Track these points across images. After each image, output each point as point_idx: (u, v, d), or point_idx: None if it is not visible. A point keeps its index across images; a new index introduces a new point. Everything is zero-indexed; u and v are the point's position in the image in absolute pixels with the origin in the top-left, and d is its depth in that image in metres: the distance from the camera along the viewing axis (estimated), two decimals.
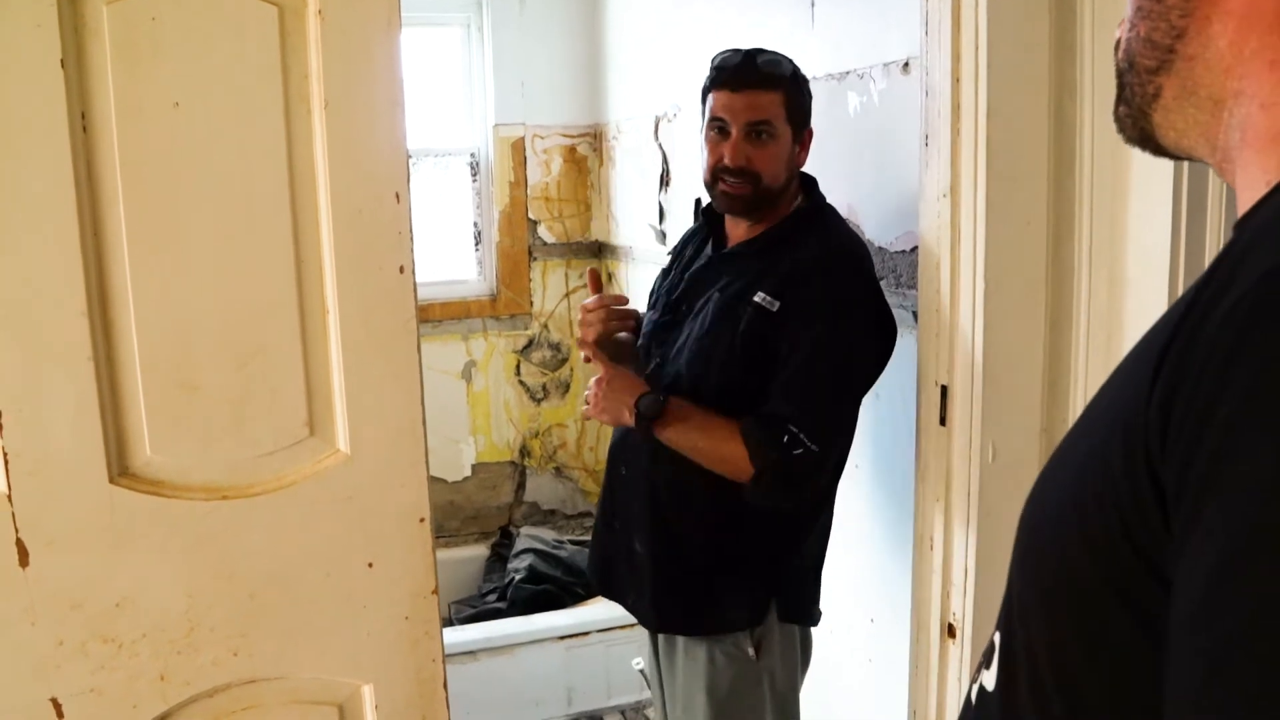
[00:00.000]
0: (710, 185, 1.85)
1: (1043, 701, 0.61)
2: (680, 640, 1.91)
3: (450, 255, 3.58)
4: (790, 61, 1.85)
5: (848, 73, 2.23)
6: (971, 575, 1.83)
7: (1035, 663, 0.62)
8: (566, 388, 3.65)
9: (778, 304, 1.75)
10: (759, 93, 1.78)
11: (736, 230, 1.91)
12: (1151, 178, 1.56)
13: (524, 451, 3.64)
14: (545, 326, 3.58)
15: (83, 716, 1.38)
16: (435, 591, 1.51)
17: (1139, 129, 0.67)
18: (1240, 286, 0.50)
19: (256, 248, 1.38)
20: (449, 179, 3.53)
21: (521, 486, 3.65)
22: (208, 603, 1.41)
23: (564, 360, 3.61)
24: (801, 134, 1.86)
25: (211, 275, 1.37)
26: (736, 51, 1.82)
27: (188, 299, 1.36)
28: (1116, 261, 1.71)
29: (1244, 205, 0.59)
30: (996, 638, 0.69)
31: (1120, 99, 0.68)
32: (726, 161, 1.79)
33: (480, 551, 3.57)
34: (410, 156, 3.68)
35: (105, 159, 1.30)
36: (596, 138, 3.59)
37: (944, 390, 1.84)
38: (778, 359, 1.75)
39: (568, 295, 3.58)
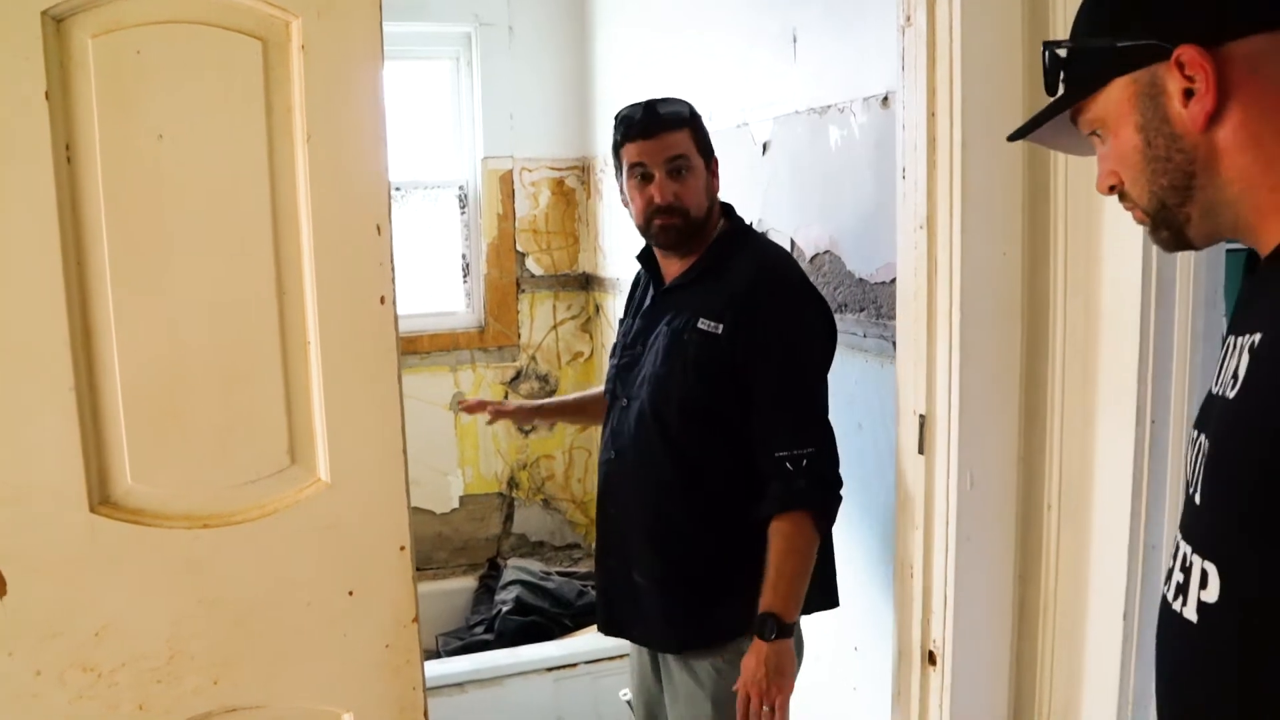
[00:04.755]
0: (645, 229, 1.96)
1: None
2: (683, 659, 1.95)
3: (439, 287, 3.61)
4: (686, 102, 1.96)
5: (829, 107, 2.26)
6: (951, 602, 1.83)
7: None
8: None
9: (721, 326, 1.85)
10: (669, 134, 1.90)
11: (671, 267, 2.00)
12: (1123, 210, 1.59)
13: (512, 483, 3.64)
14: (533, 358, 3.59)
15: None
16: (415, 620, 1.52)
17: (1179, 245, 0.93)
18: None
19: (239, 278, 1.39)
20: (438, 211, 3.56)
21: (510, 518, 3.65)
22: (189, 631, 1.42)
23: (552, 392, 3.63)
24: (710, 164, 1.97)
25: (194, 306, 1.38)
26: (637, 105, 1.94)
27: (171, 329, 1.38)
28: (1092, 292, 1.73)
29: (1266, 249, 0.85)
30: (1206, 565, 0.83)
31: (1159, 228, 0.92)
32: (657, 201, 1.90)
33: (468, 583, 3.56)
34: (398, 189, 3.67)
35: (89, 190, 1.32)
36: (584, 171, 3.62)
37: (922, 419, 1.85)
38: (734, 377, 1.85)
39: (555, 327, 3.61)
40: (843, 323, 2.12)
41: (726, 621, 1.90)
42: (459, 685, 2.90)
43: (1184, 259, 1.60)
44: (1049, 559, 1.81)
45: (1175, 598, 0.87)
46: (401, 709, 1.52)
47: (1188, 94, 0.85)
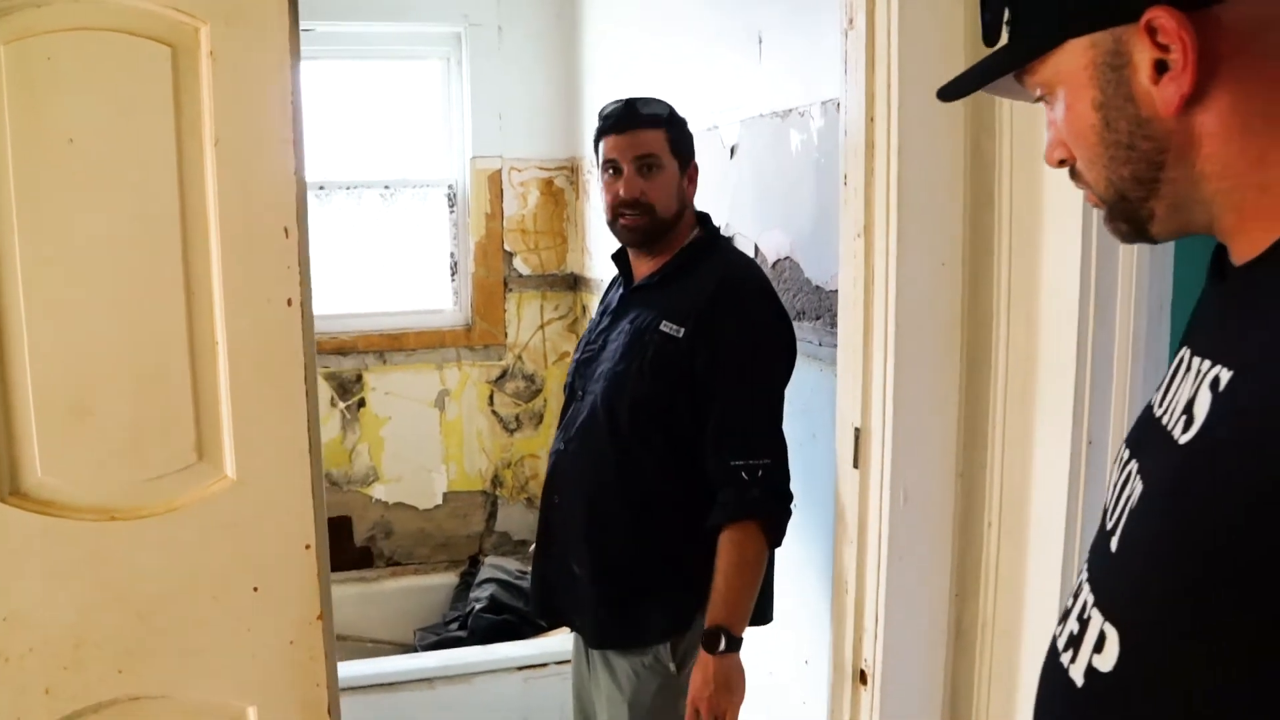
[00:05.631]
0: (612, 223, 1.98)
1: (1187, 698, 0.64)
2: (606, 657, 1.96)
3: (426, 285, 3.64)
4: (668, 104, 1.98)
5: (790, 110, 2.24)
6: (882, 621, 1.81)
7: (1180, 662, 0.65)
8: (540, 419, 3.67)
9: (682, 330, 1.86)
10: (643, 131, 1.92)
11: (640, 267, 2.02)
12: (1063, 215, 1.55)
13: (496, 481, 3.66)
14: (519, 358, 3.61)
15: None
16: (321, 617, 1.54)
17: (1139, 238, 0.77)
18: None
19: (148, 279, 1.42)
20: (427, 210, 3.60)
21: (493, 516, 3.67)
22: (95, 621, 1.45)
23: (537, 391, 3.64)
24: (687, 168, 1.98)
25: (105, 304, 1.41)
26: (619, 101, 1.96)
27: (81, 327, 1.41)
28: (1032, 303, 1.70)
29: (1244, 256, 0.69)
30: (1107, 627, 0.70)
31: (1116, 219, 0.77)
32: (623, 194, 1.92)
33: (449, 579, 3.59)
34: (388, 187, 3.67)
35: (1, 192, 1.35)
36: (573, 171, 3.63)
37: (857, 432, 1.83)
38: (691, 381, 1.85)
39: (542, 327, 3.62)
40: (800, 330, 2.11)
41: (650, 624, 1.91)
42: (427, 681, 2.92)
43: (1126, 266, 1.54)
44: (988, 578, 1.78)
45: (1065, 649, 0.75)
46: (305, 705, 1.54)
47: (1160, 67, 0.68)
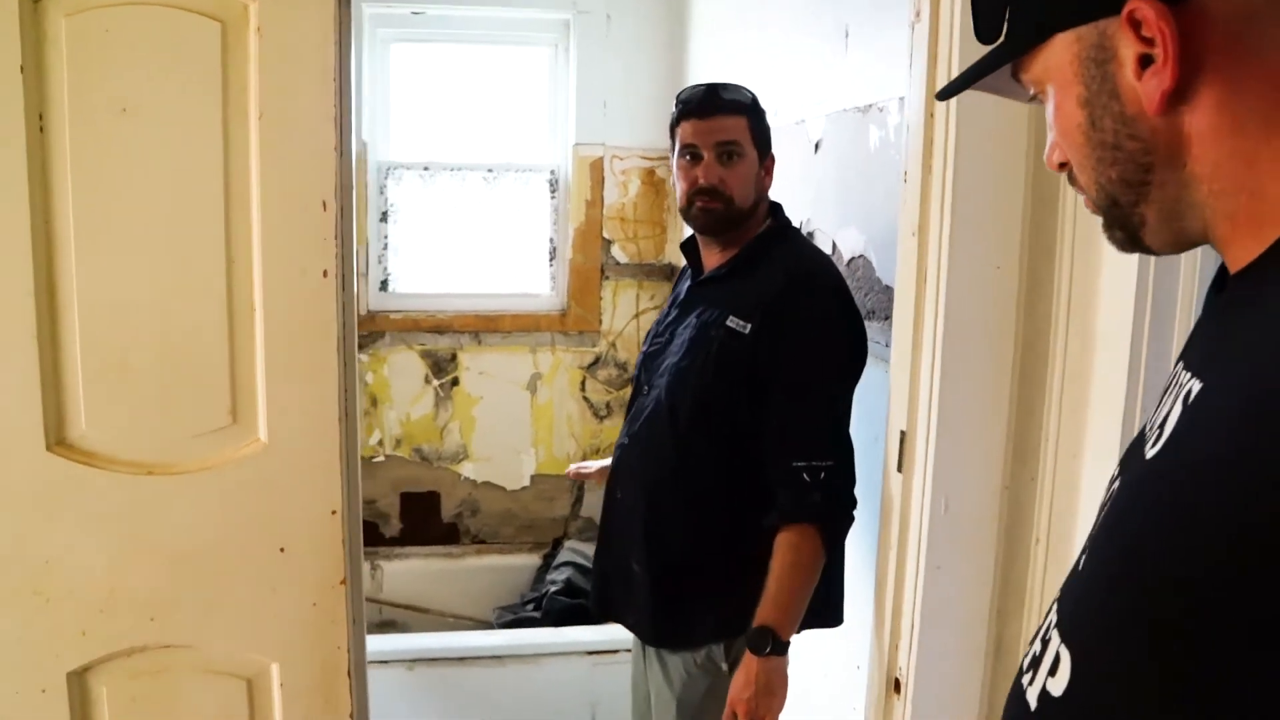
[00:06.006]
0: (686, 210, 1.92)
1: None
2: (661, 654, 1.95)
3: (524, 269, 3.69)
4: (750, 91, 1.92)
5: (870, 105, 2.19)
6: (917, 630, 1.76)
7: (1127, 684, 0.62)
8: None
9: (749, 326, 1.81)
10: (725, 117, 1.87)
11: (710, 258, 1.97)
12: None
13: None
14: (613, 345, 3.62)
15: (11, 659, 1.51)
16: (345, 582, 1.58)
17: (1136, 247, 0.73)
18: None
19: (191, 244, 1.48)
20: (528, 194, 3.64)
21: (579, 501, 3.70)
22: (129, 569, 1.53)
23: (629, 380, 3.65)
24: (765, 158, 1.92)
25: (149, 267, 1.48)
26: (700, 86, 1.92)
27: (126, 287, 1.48)
28: (1089, 313, 1.62)
29: (1237, 266, 0.65)
30: (1062, 649, 0.68)
31: (1111, 226, 0.73)
32: (701, 181, 1.86)
33: (532, 561, 3.64)
34: (490, 170, 3.71)
35: (58, 156, 1.44)
36: None
37: (902, 435, 1.78)
38: (755, 378, 1.81)
39: (637, 316, 3.62)
40: (870, 330, 2.05)
41: (702, 624, 1.88)
42: (498, 658, 2.97)
43: (1187, 274, 1.46)
44: (1033, 597, 1.71)
45: (1027, 670, 0.72)
46: (325, 666, 1.59)
47: (1144, 62, 0.65)
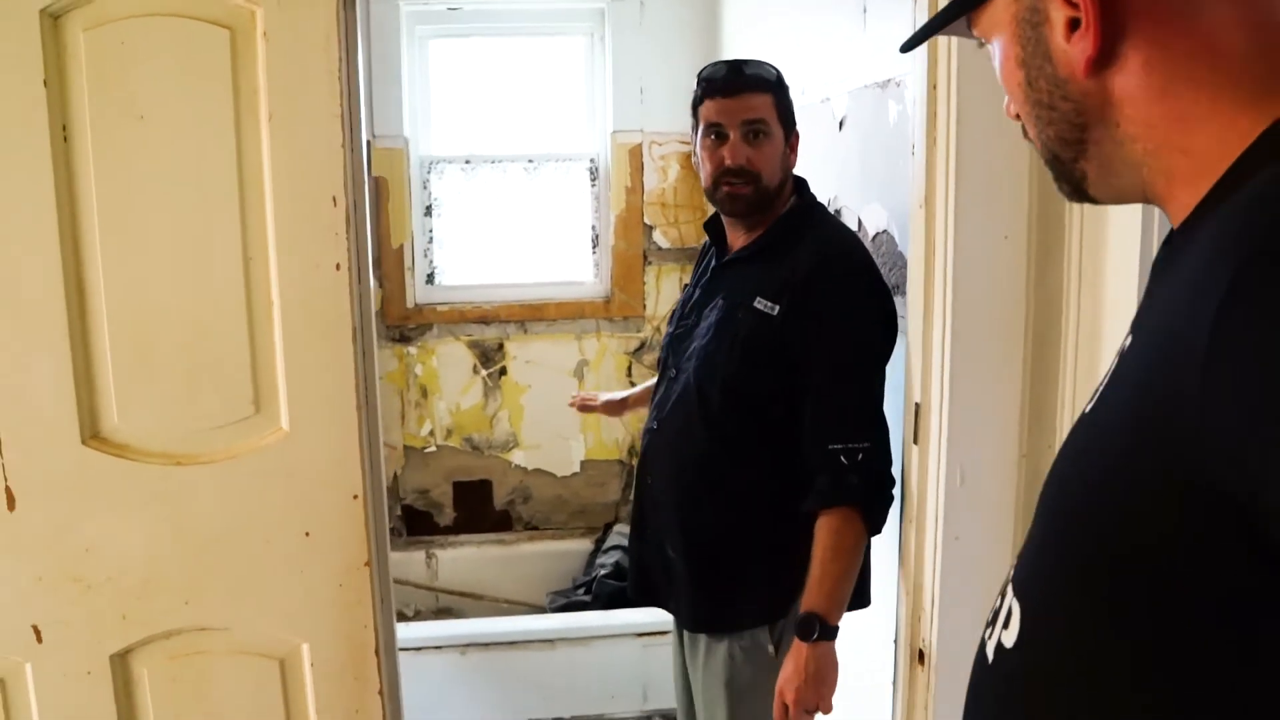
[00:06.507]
0: (712, 192, 1.89)
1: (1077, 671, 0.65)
2: (704, 639, 1.95)
3: (568, 257, 3.73)
4: (775, 67, 1.87)
5: (888, 81, 2.18)
6: (938, 602, 1.76)
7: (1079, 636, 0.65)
8: None
9: (776, 307, 1.78)
10: (751, 95, 1.82)
11: (736, 238, 1.94)
12: None
13: (632, 451, 3.72)
14: (658, 330, 3.64)
15: (57, 642, 1.60)
16: (369, 564, 1.64)
17: (1083, 198, 0.75)
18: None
19: (210, 244, 1.55)
20: (569, 183, 3.68)
21: (629, 485, 3.73)
22: (163, 556, 1.60)
23: None
24: (791, 135, 1.88)
25: (170, 266, 1.55)
26: (722, 63, 1.87)
27: (150, 286, 1.56)
28: (1099, 282, 1.60)
29: (1175, 223, 0.68)
30: (1013, 603, 0.71)
31: (1057, 179, 0.75)
32: (728, 162, 1.82)
33: (584, 545, 3.68)
34: (531, 160, 3.73)
35: (82, 164, 1.51)
36: None
37: (917, 408, 1.78)
38: (785, 360, 1.79)
39: None
40: (898, 305, 2.04)
41: (745, 608, 1.87)
42: (549, 641, 3.02)
43: None
44: None
45: (988, 625, 0.75)
46: (353, 645, 1.65)
47: (1073, 25, 0.66)
